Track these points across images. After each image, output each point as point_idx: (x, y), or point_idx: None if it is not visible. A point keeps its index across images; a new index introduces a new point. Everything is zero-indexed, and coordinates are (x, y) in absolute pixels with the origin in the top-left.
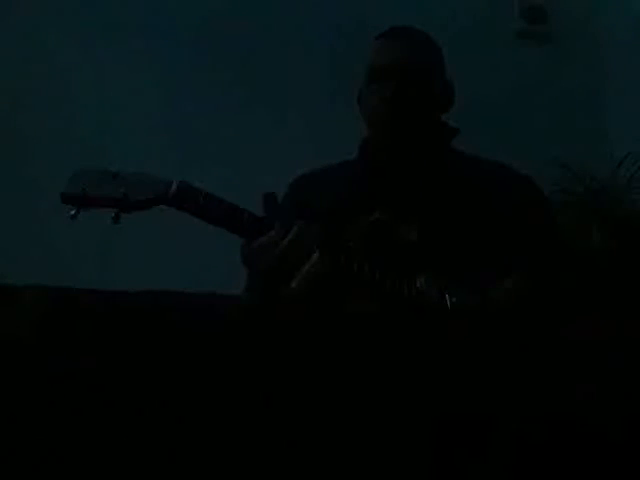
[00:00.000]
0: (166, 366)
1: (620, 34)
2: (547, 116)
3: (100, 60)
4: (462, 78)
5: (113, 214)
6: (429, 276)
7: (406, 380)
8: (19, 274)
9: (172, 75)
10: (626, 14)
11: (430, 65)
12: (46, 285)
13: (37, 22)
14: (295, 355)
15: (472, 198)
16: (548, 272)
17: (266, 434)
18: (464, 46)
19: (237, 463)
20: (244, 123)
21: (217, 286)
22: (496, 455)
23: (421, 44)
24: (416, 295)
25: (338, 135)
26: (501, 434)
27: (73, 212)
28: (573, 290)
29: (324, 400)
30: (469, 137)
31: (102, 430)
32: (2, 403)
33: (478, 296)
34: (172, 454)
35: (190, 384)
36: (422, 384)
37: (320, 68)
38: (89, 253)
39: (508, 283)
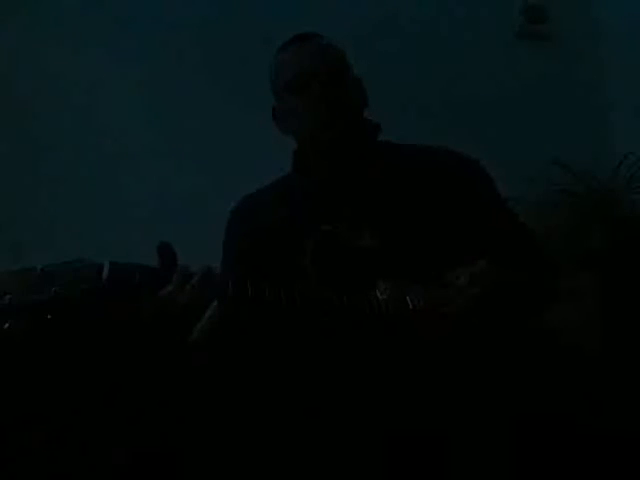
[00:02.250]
0: (154, 361)
1: (620, 34)
2: (547, 116)
3: (98, 62)
4: (462, 78)
5: (49, 317)
6: (388, 283)
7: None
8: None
9: (171, 76)
10: (626, 14)
11: (343, 65)
12: None
13: (34, 21)
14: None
15: (419, 191)
16: (510, 258)
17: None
18: (464, 46)
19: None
20: (243, 124)
21: None
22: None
23: (329, 46)
24: (373, 305)
25: None
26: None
27: (7, 325)
28: (535, 277)
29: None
30: (469, 137)
31: (97, 422)
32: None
33: (440, 292)
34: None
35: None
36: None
37: None
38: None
39: (466, 272)
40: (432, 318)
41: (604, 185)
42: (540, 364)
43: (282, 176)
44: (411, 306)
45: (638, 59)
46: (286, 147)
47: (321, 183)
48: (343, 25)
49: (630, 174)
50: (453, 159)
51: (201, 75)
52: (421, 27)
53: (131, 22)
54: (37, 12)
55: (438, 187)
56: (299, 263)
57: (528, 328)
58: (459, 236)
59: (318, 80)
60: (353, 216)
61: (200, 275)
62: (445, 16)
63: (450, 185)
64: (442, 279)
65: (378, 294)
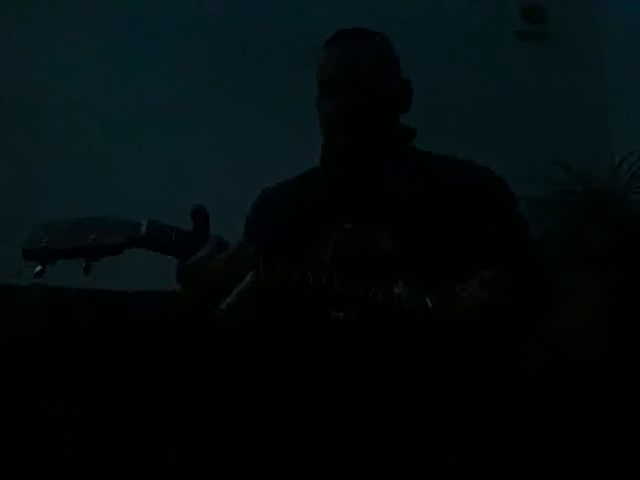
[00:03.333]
0: (145, 356)
1: (620, 34)
2: (547, 116)
3: (98, 61)
4: (462, 78)
5: (83, 265)
6: (407, 282)
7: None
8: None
9: (174, 77)
10: (626, 14)
11: (380, 69)
12: (45, 284)
13: (34, 21)
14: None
15: (441, 199)
16: (518, 271)
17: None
18: (464, 46)
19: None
20: (242, 125)
21: None
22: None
23: (369, 49)
24: (394, 301)
25: None
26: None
27: (39, 268)
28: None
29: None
30: (469, 137)
31: (97, 418)
32: (4, 389)
33: (458, 298)
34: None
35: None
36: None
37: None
38: None
39: (476, 282)
40: (449, 317)
41: (604, 185)
42: (543, 366)
43: (309, 169)
44: (430, 306)
45: (638, 59)
46: (283, 147)
47: (344, 180)
48: (343, 26)
49: (630, 174)
50: (478, 173)
51: (202, 74)
52: (420, 27)
53: (133, 22)
54: (36, 12)
55: (460, 198)
56: (319, 260)
57: (532, 331)
58: (473, 249)
59: (343, 86)
60: (373, 217)
61: (236, 246)
62: (445, 17)
63: (472, 197)
64: (454, 287)
65: (397, 291)
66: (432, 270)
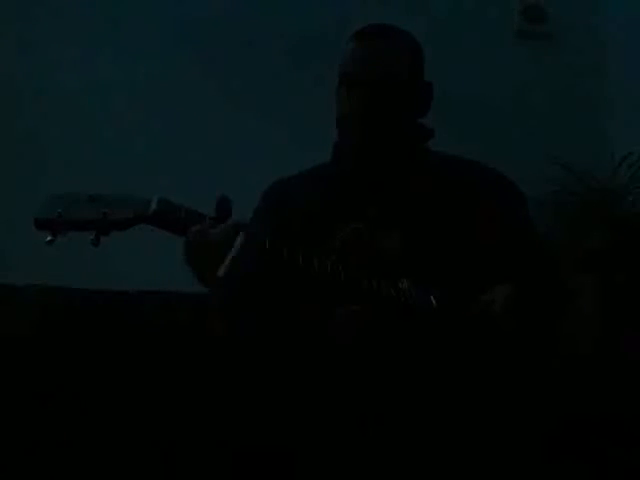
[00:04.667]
0: (150, 358)
1: (620, 34)
2: (547, 116)
3: (96, 60)
4: (462, 78)
5: (92, 236)
6: (412, 279)
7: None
8: (21, 273)
9: (174, 77)
10: (626, 14)
11: (407, 72)
12: (44, 284)
13: (31, 20)
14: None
15: (451, 200)
16: (532, 278)
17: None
18: (464, 46)
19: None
20: (242, 125)
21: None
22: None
23: (397, 49)
24: (398, 295)
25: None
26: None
27: (49, 238)
28: (556, 294)
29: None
30: (469, 137)
31: (96, 421)
32: (3, 392)
33: (463, 299)
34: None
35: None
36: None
37: (316, 73)
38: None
39: (496, 291)
40: (453, 318)
41: (604, 185)
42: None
43: (321, 164)
44: (435, 304)
45: (638, 59)
46: (283, 147)
47: (354, 177)
48: (343, 26)
49: (630, 174)
50: (488, 174)
51: (202, 74)
52: (420, 27)
53: (130, 22)
54: (37, 10)
55: (471, 199)
56: (326, 256)
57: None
58: (483, 252)
59: (368, 87)
60: (382, 216)
61: (235, 221)
62: (445, 16)
63: (482, 198)
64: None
65: (401, 286)
66: (440, 271)
